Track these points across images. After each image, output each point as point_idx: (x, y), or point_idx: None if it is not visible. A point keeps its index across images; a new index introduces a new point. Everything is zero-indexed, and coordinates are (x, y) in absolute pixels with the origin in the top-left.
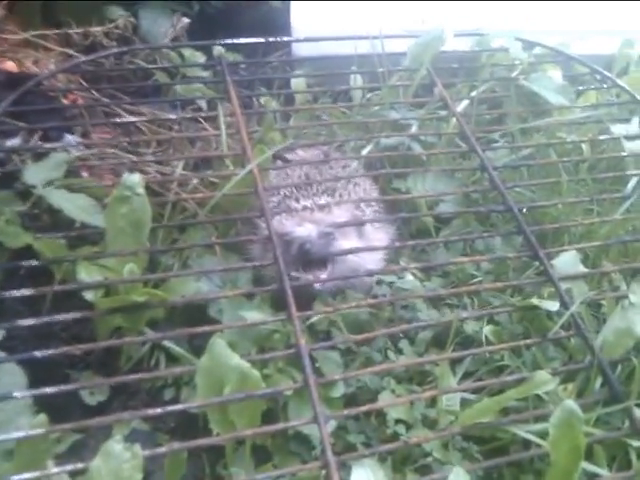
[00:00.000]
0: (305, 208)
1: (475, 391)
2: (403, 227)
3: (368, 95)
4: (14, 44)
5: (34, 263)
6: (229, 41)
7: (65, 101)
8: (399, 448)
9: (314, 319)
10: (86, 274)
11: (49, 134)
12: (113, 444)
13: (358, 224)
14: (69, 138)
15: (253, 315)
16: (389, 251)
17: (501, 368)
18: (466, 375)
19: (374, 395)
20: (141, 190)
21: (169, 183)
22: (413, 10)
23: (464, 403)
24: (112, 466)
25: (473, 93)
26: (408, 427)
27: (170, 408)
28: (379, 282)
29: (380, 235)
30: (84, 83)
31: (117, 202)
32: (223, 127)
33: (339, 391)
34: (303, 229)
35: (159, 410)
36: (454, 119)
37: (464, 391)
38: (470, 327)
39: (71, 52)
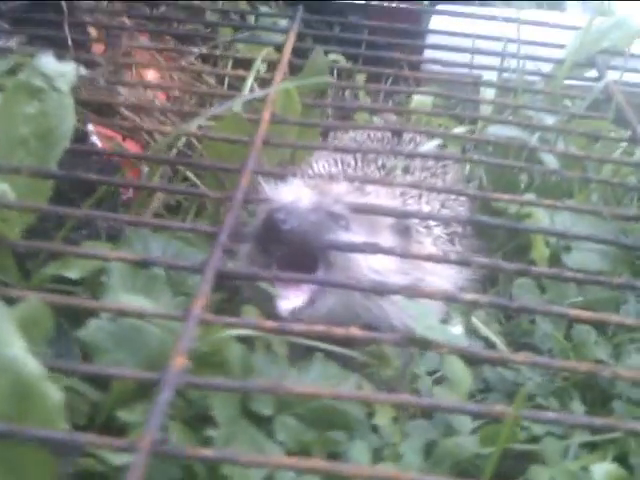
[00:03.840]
0: (327, 176)
1: None
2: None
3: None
4: None
5: None
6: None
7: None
8: None
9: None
10: None
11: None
12: None
13: (404, 216)
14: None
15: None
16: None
17: None
18: None
19: None
20: (65, 85)
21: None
22: None
23: None
24: None
25: None
26: None
27: None
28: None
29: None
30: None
31: (20, 94)
32: (260, 65)
33: None
34: (291, 195)
35: None
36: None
37: None
38: None
39: None
